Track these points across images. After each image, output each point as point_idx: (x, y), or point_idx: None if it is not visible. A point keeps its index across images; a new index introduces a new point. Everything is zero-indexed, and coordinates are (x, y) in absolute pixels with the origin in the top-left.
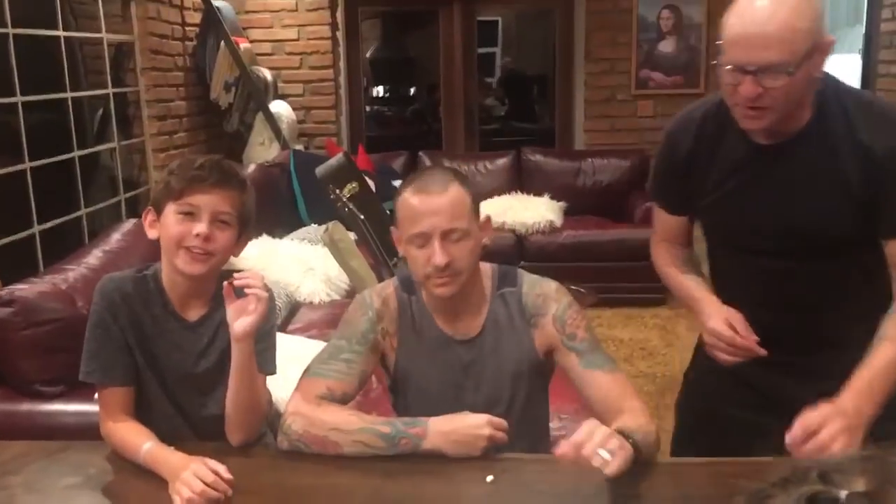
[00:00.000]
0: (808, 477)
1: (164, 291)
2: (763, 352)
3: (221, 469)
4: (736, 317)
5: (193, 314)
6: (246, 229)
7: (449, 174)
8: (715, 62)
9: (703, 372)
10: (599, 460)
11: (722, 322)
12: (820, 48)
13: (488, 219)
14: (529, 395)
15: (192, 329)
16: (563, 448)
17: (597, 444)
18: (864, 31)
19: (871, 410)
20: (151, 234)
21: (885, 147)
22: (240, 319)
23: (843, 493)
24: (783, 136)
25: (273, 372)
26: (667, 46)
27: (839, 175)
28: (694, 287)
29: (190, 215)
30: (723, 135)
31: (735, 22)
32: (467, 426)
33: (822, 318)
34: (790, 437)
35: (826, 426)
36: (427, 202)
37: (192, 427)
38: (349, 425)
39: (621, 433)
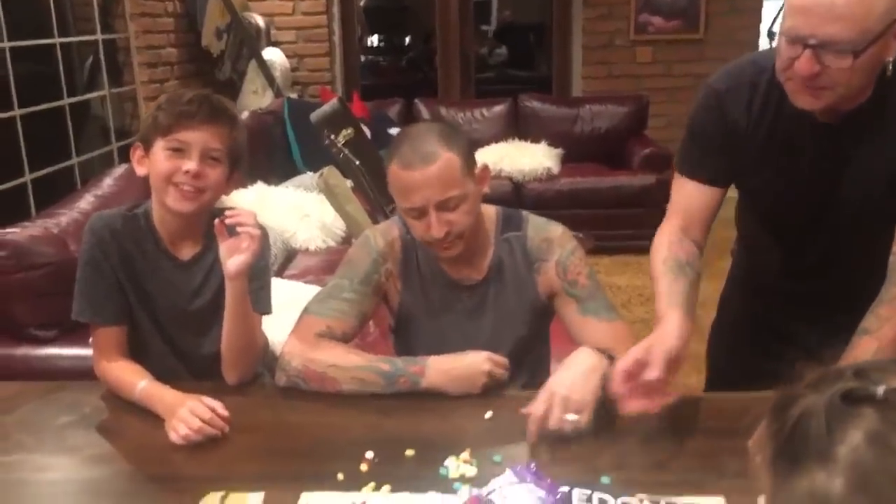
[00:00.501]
0: (844, 375)
1: (154, 229)
2: (668, 400)
3: (218, 406)
4: (661, 351)
5: (186, 253)
6: (237, 166)
7: (435, 137)
8: (773, 28)
9: (732, 324)
10: (570, 425)
11: (634, 355)
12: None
13: (485, 167)
14: (531, 338)
15: (185, 268)
16: (530, 433)
17: (559, 414)
18: None
19: None
20: (140, 170)
21: None
22: (233, 258)
23: (880, 389)
24: (840, 114)
25: (268, 311)
26: None
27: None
28: (664, 298)
29: (179, 152)
30: (776, 109)
31: None
32: (467, 364)
33: (862, 284)
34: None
35: None
36: (416, 176)
37: (187, 367)
38: (348, 362)
39: (599, 351)
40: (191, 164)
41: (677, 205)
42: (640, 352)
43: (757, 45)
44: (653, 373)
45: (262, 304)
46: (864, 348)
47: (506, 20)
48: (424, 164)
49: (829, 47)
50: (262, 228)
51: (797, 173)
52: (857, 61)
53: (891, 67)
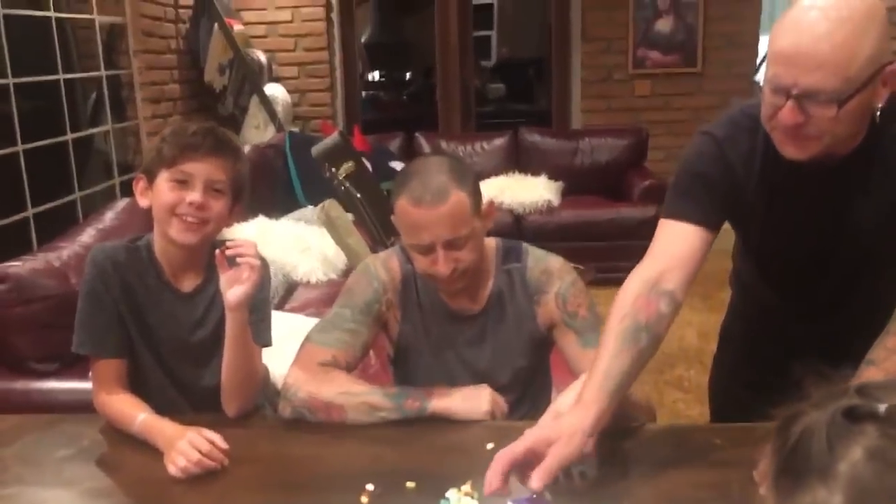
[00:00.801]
0: (847, 392)
1: (156, 261)
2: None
3: (217, 438)
4: (559, 456)
5: (188, 284)
6: (240, 198)
7: (445, 174)
8: (758, 73)
9: (732, 357)
10: (578, 479)
11: (527, 444)
12: (884, 77)
13: (491, 204)
14: (531, 368)
15: (186, 299)
16: (537, 484)
17: (566, 467)
18: None
19: None
20: (143, 202)
21: None
22: (233, 289)
23: (882, 406)
24: (834, 159)
25: (269, 343)
26: (663, 25)
27: (891, 195)
28: (599, 376)
29: (183, 183)
30: (773, 157)
31: (784, 33)
32: (473, 390)
33: (854, 332)
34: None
35: None
36: (426, 215)
37: (188, 399)
38: (356, 389)
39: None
40: (194, 196)
41: (658, 248)
42: (538, 443)
43: (753, 79)
44: (535, 483)
45: (262, 335)
46: (868, 377)
47: (505, 56)
48: (435, 202)
49: (813, 97)
50: (263, 260)
51: (793, 220)
52: (842, 110)
53: (878, 115)
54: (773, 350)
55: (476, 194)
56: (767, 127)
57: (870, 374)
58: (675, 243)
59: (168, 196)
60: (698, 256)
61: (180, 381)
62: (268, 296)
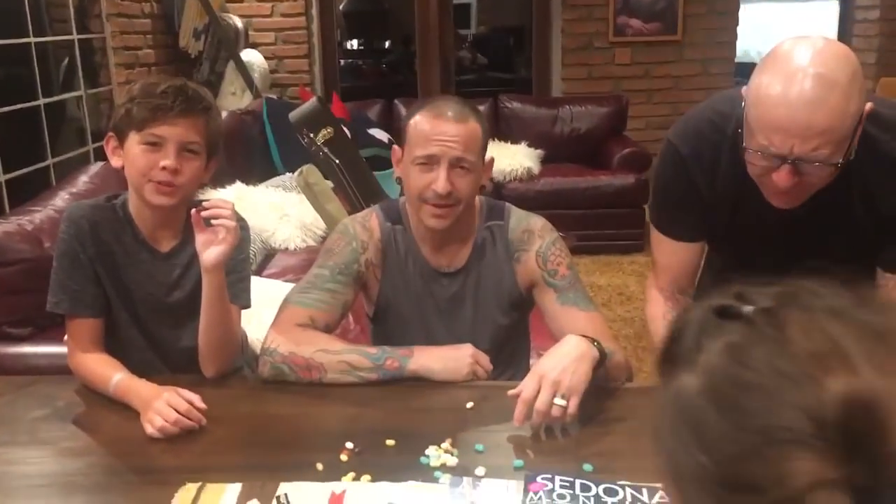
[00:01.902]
0: (729, 293)
1: (133, 221)
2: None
3: (195, 398)
4: None
5: (165, 244)
6: (215, 153)
7: (468, 106)
8: (740, 132)
9: None
10: (558, 409)
11: None
12: (862, 120)
13: (491, 161)
14: (510, 328)
15: (163, 259)
16: (517, 414)
17: (547, 397)
18: None
19: None
20: (115, 161)
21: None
22: (209, 249)
23: (749, 308)
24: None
25: (247, 305)
26: None
27: (858, 212)
28: None
29: (155, 146)
30: (740, 173)
31: (775, 103)
32: (454, 349)
33: None
34: None
35: None
36: (444, 127)
37: (165, 360)
38: (335, 346)
39: (585, 338)
40: (168, 161)
41: (661, 263)
42: None
43: (735, 47)
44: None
45: (240, 297)
46: None
47: (485, 23)
48: (456, 119)
49: (809, 161)
50: (242, 220)
51: (763, 231)
52: (836, 167)
53: (854, 152)
54: None
55: (486, 138)
56: (756, 180)
57: None
58: (674, 257)
59: (140, 160)
60: (697, 260)
61: (158, 341)
62: (247, 256)
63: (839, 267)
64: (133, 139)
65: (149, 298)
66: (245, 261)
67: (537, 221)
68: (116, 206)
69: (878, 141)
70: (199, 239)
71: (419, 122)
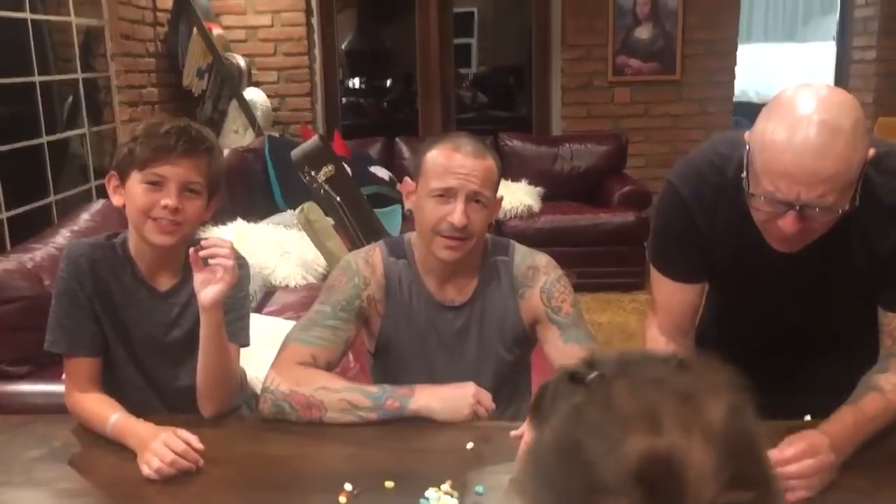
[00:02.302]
0: (583, 361)
1: (132, 259)
2: None
3: (192, 439)
4: None
5: (164, 283)
6: (215, 192)
7: (484, 143)
8: (744, 176)
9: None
10: None
11: None
12: (866, 166)
13: (501, 199)
14: (513, 364)
15: (162, 298)
16: (520, 455)
17: None
18: (837, 19)
19: (847, 455)
20: (116, 200)
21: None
22: (207, 288)
23: (591, 375)
24: None
25: (246, 343)
26: (643, 33)
27: (856, 254)
28: None
29: (157, 185)
30: (741, 214)
31: (781, 150)
32: (456, 388)
33: (824, 364)
34: (779, 452)
35: (817, 455)
36: (463, 161)
37: (163, 399)
38: (336, 384)
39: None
40: (169, 200)
41: (660, 304)
42: None
43: (732, 87)
44: None
45: (239, 335)
46: (873, 403)
47: (486, 62)
48: (475, 155)
49: (816, 206)
50: (241, 258)
51: (764, 272)
52: (842, 211)
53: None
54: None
55: (500, 176)
56: (760, 226)
57: (873, 399)
58: (674, 298)
59: (142, 199)
60: (697, 301)
61: (156, 381)
62: (246, 295)
63: (839, 306)
64: (135, 178)
65: (147, 337)
66: (244, 299)
67: (542, 258)
68: (116, 245)
69: (875, 184)
70: (197, 278)
71: (437, 155)
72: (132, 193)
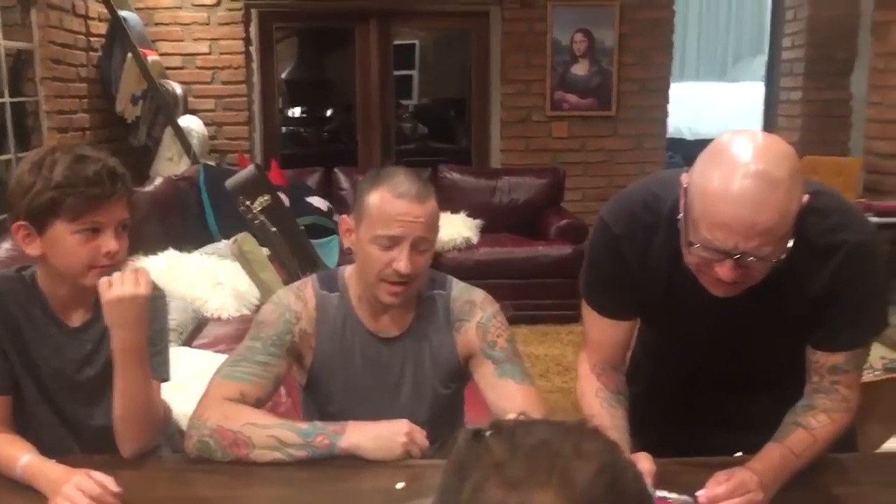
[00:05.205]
0: (491, 422)
1: (42, 294)
2: None
3: (108, 481)
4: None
5: (76, 319)
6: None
7: (422, 182)
8: (679, 218)
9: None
10: None
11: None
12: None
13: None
14: (449, 399)
15: (73, 335)
16: None
17: None
18: (766, 60)
19: (774, 493)
20: (32, 250)
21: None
22: (108, 290)
23: (487, 433)
24: None
25: (166, 378)
26: (580, 69)
27: (787, 294)
28: (616, 433)
29: (94, 231)
30: (672, 255)
31: (719, 198)
32: (388, 426)
33: (755, 400)
34: (709, 490)
35: (747, 494)
36: (409, 208)
37: (78, 439)
38: (265, 421)
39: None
40: (111, 245)
41: (592, 339)
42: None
43: (666, 124)
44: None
45: (158, 370)
46: (800, 439)
47: (427, 94)
48: (419, 199)
49: (753, 256)
50: (158, 290)
51: (695, 309)
52: (777, 260)
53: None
54: (674, 386)
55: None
56: (695, 271)
57: (800, 435)
58: (605, 334)
59: (82, 251)
60: (628, 337)
61: (69, 419)
62: (164, 328)
63: (769, 344)
64: (63, 228)
65: (58, 375)
66: (162, 332)
67: (479, 293)
68: (26, 278)
69: (806, 225)
70: (107, 315)
71: (380, 201)
72: (63, 246)
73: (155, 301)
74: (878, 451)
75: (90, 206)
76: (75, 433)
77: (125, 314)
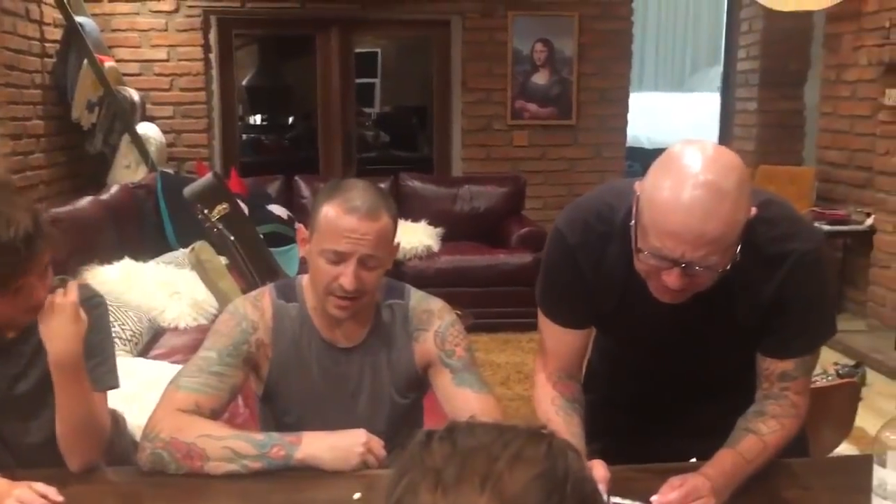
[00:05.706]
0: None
1: None
2: None
3: (51, 492)
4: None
5: (8, 332)
6: None
7: (380, 197)
8: (632, 225)
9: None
10: None
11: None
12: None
13: (398, 245)
14: (406, 409)
15: (6, 349)
16: None
17: None
18: (721, 71)
19: (725, 498)
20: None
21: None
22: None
23: (436, 435)
24: None
25: (114, 386)
26: (540, 78)
27: (739, 301)
28: (574, 440)
29: (17, 290)
30: (626, 266)
31: (669, 207)
32: (345, 436)
33: (709, 407)
34: (662, 496)
35: (699, 499)
36: (357, 225)
37: (14, 456)
38: (219, 432)
39: None
40: (36, 299)
41: (548, 348)
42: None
43: (625, 133)
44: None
45: (104, 380)
46: (751, 445)
47: (389, 102)
48: (369, 217)
49: (700, 265)
50: (97, 297)
51: (649, 317)
52: (724, 270)
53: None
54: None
55: (396, 227)
56: (644, 277)
57: (750, 441)
58: (562, 344)
59: (6, 309)
60: (584, 345)
61: (4, 436)
62: (106, 336)
63: (722, 351)
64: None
65: None
66: (105, 341)
67: (437, 302)
68: None
69: (756, 233)
70: (43, 328)
71: (330, 213)
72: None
73: (95, 309)
74: (829, 455)
75: (14, 273)
76: (11, 450)
77: (55, 325)
